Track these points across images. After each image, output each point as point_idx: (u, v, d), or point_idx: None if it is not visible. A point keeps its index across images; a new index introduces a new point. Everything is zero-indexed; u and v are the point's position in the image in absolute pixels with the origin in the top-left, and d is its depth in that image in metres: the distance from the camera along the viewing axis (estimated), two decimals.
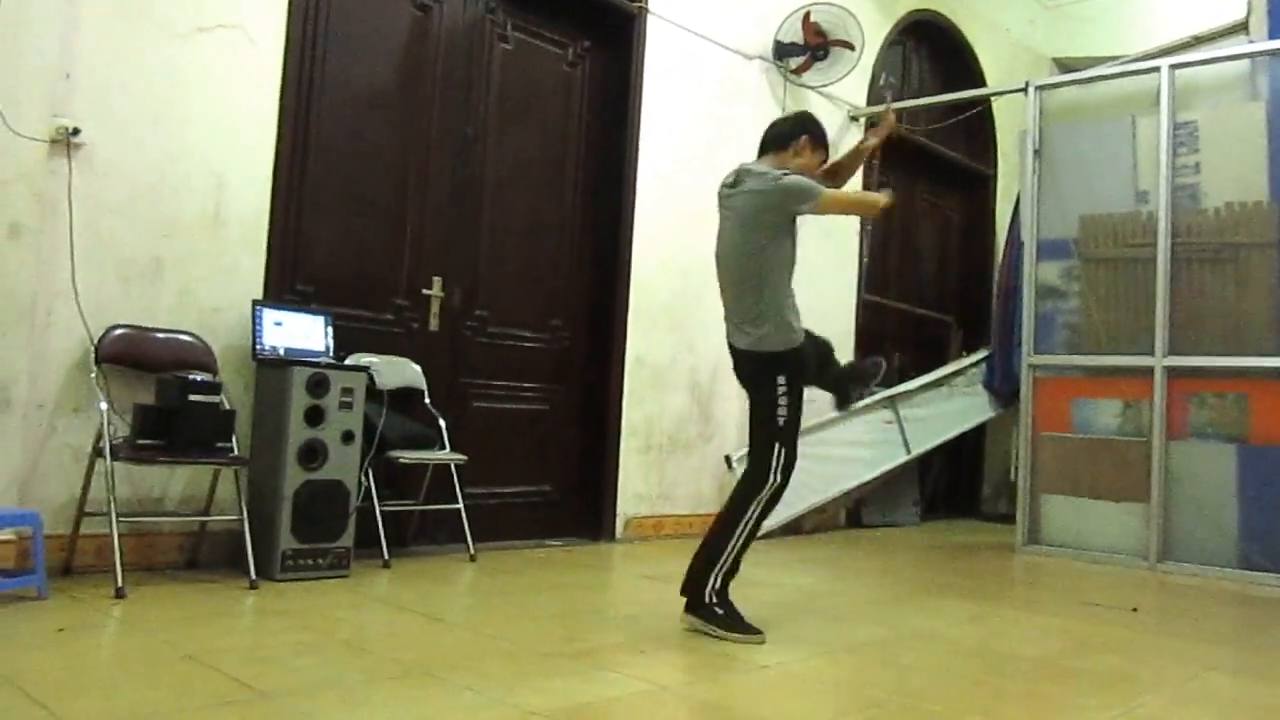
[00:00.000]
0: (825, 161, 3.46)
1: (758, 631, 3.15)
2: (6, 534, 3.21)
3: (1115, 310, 5.62)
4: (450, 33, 4.83)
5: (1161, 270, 5.38)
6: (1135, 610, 4.14)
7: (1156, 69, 5.56)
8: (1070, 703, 2.74)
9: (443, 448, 4.47)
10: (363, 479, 4.00)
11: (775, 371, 3.23)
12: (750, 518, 3.21)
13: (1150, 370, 5.39)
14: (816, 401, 6.22)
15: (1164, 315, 5.36)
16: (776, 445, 3.21)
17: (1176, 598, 4.65)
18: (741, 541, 3.21)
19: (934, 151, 7.70)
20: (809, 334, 3.34)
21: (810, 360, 3.36)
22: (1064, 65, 7.98)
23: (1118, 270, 5.63)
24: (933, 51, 7.80)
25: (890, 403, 6.63)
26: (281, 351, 3.92)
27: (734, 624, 3.17)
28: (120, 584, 3.24)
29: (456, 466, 4.45)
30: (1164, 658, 3.38)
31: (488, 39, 4.99)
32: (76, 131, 3.50)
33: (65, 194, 3.49)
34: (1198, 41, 5.99)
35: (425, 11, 4.73)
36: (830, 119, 6.53)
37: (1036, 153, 5.91)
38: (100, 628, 2.94)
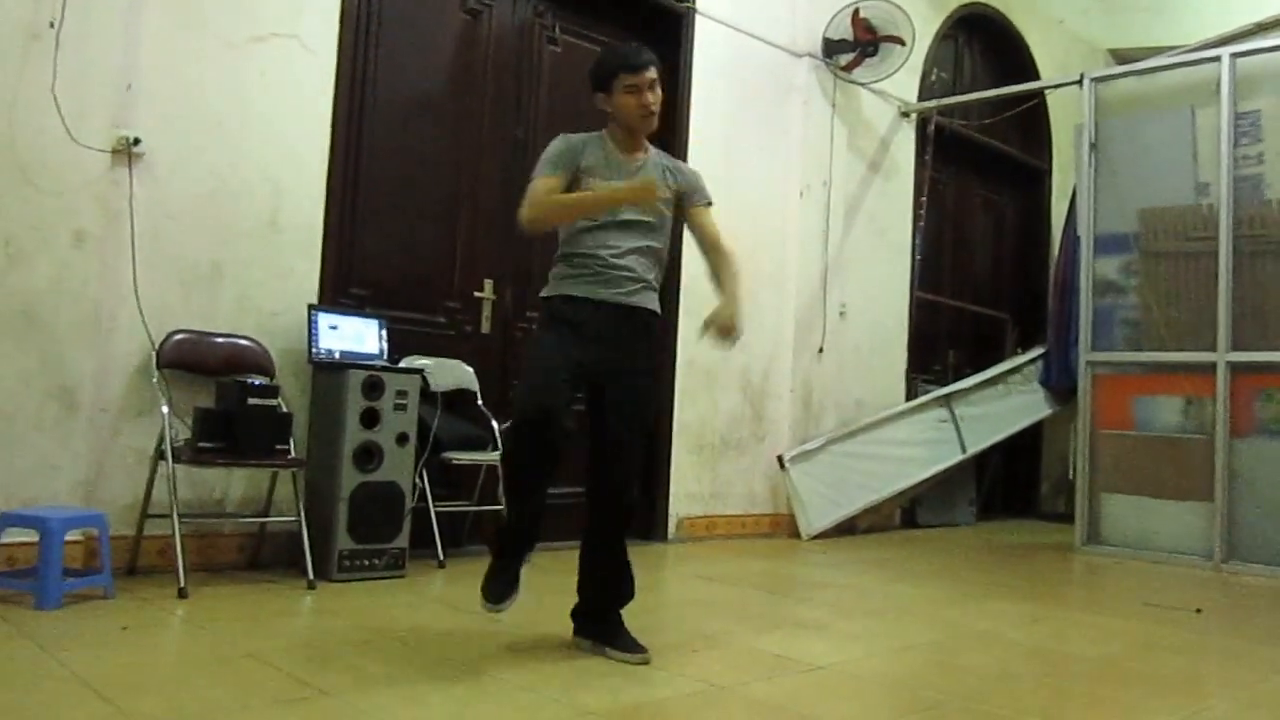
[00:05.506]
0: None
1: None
2: (74, 535, 3.28)
3: (1176, 305, 5.50)
4: (500, 37, 4.86)
5: (1224, 264, 5.27)
6: (1199, 611, 4.05)
7: (1217, 58, 5.45)
8: (1134, 705, 2.69)
9: (495, 448, 4.50)
10: (417, 480, 4.04)
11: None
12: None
13: (1213, 366, 5.28)
14: (867, 402, 6.23)
15: (1227, 309, 5.25)
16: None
17: (1243, 598, 4.55)
18: None
19: (987, 146, 7.60)
20: None
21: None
22: (1120, 57, 7.84)
23: (1178, 264, 5.52)
24: (985, 45, 7.69)
25: (945, 401, 6.56)
26: (337, 355, 3.97)
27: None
28: (183, 584, 3.31)
29: None
30: (1231, 660, 3.31)
31: (537, 42, 5.01)
32: (137, 141, 3.58)
33: (127, 202, 3.57)
34: (1260, 29, 5.85)
35: (475, 16, 4.77)
36: (881, 116, 6.50)
37: (1093, 146, 5.80)
38: (164, 626, 3.00)
